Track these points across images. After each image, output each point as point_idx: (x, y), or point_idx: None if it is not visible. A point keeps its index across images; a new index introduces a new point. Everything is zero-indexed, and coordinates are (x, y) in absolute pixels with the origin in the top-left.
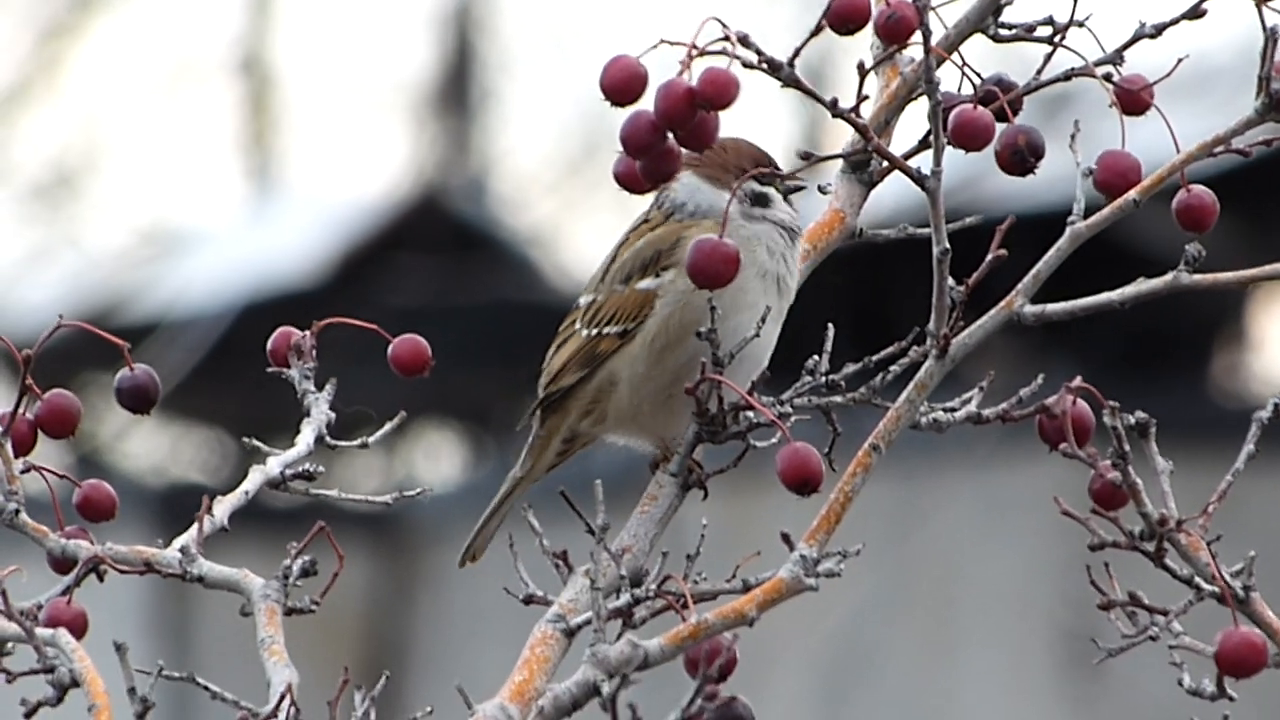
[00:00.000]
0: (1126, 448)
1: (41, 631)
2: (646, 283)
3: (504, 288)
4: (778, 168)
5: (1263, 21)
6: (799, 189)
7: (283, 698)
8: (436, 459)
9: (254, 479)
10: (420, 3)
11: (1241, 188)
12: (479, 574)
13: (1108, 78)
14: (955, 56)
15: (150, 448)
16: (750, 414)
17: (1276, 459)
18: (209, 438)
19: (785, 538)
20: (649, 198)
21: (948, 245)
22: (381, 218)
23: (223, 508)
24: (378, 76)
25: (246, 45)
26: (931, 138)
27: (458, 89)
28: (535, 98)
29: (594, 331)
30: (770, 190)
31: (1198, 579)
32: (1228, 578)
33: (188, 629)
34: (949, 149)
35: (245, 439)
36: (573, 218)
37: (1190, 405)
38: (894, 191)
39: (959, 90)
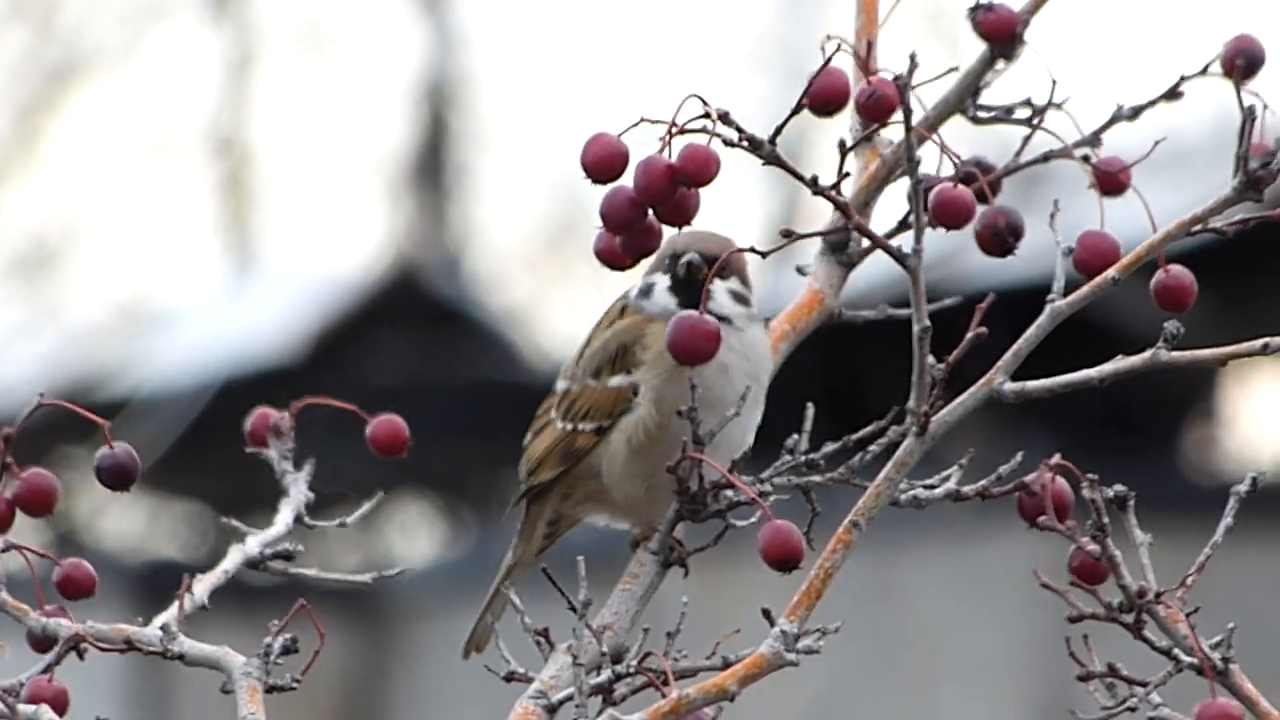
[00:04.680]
0: (1105, 520)
1: (24, 709)
2: (618, 380)
3: (480, 365)
4: (676, 256)
5: (1240, 101)
6: (690, 264)
7: None
8: (413, 535)
9: (233, 558)
10: (397, 79)
11: (1216, 263)
12: (455, 649)
13: (1086, 159)
14: (934, 138)
15: (128, 524)
16: (730, 493)
17: (1251, 533)
18: (187, 514)
19: (766, 614)
20: (631, 276)
21: (929, 323)
22: (358, 295)
23: (203, 586)
24: (354, 154)
25: (224, 123)
26: (912, 217)
27: (434, 166)
28: (511, 174)
29: (570, 426)
30: (654, 279)
31: (1177, 650)
32: (1206, 649)
33: (167, 703)
34: (929, 228)
35: (224, 518)
36: (549, 295)
37: (1162, 480)
38: (869, 269)
39: (938, 171)
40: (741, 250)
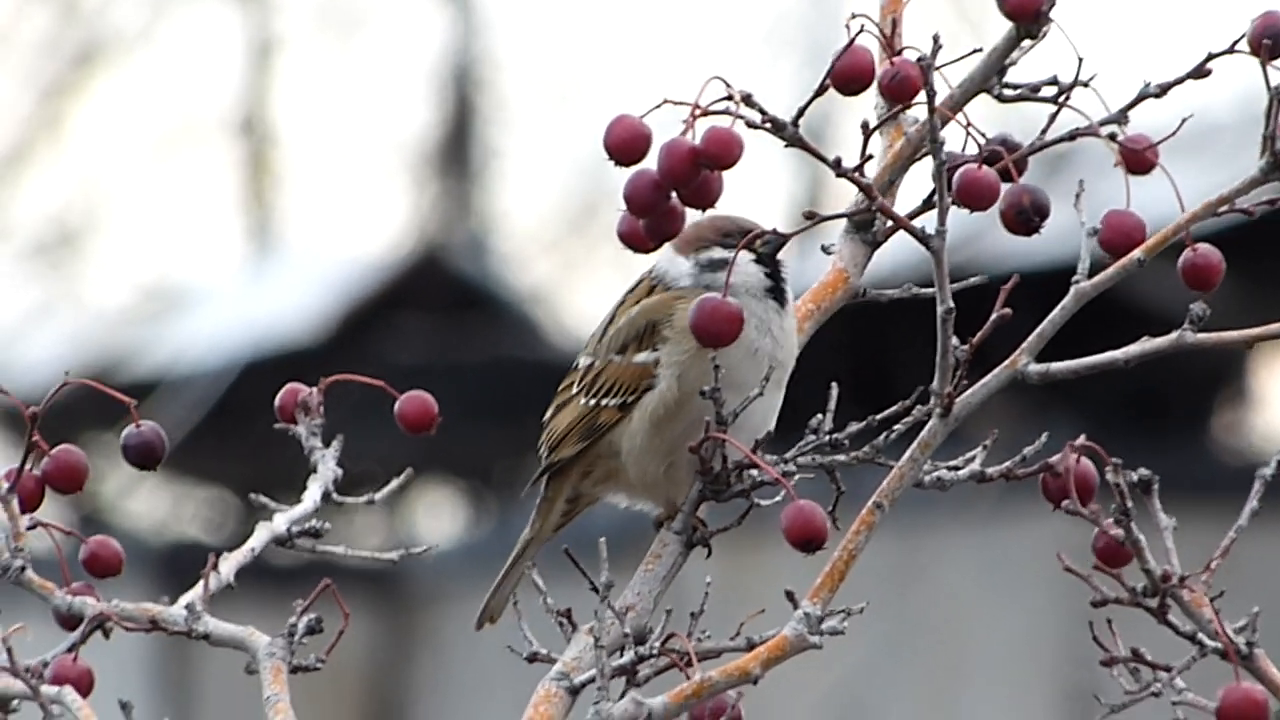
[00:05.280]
0: (1129, 504)
1: (47, 689)
2: (643, 356)
3: (505, 345)
4: (758, 233)
5: (1267, 81)
6: (781, 244)
7: None
8: (438, 516)
9: (260, 536)
10: (421, 61)
11: (1243, 245)
12: (480, 630)
13: (1112, 137)
14: (959, 116)
15: (152, 506)
16: (754, 472)
17: (1271, 517)
18: (211, 495)
19: (789, 595)
20: (652, 257)
21: (952, 304)
22: (382, 276)
23: (229, 565)
24: (378, 135)
25: (247, 104)
26: (936, 197)
27: (458, 148)
28: (536, 156)
29: (593, 402)
30: (732, 255)
31: (1201, 635)
32: (1231, 634)
33: (191, 684)
34: (953, 208)
35: (252, 496)
36: (573, 275)
37: (1191, 462)
38: (894, 249)
39: (963, 150)
40: (764, 231)
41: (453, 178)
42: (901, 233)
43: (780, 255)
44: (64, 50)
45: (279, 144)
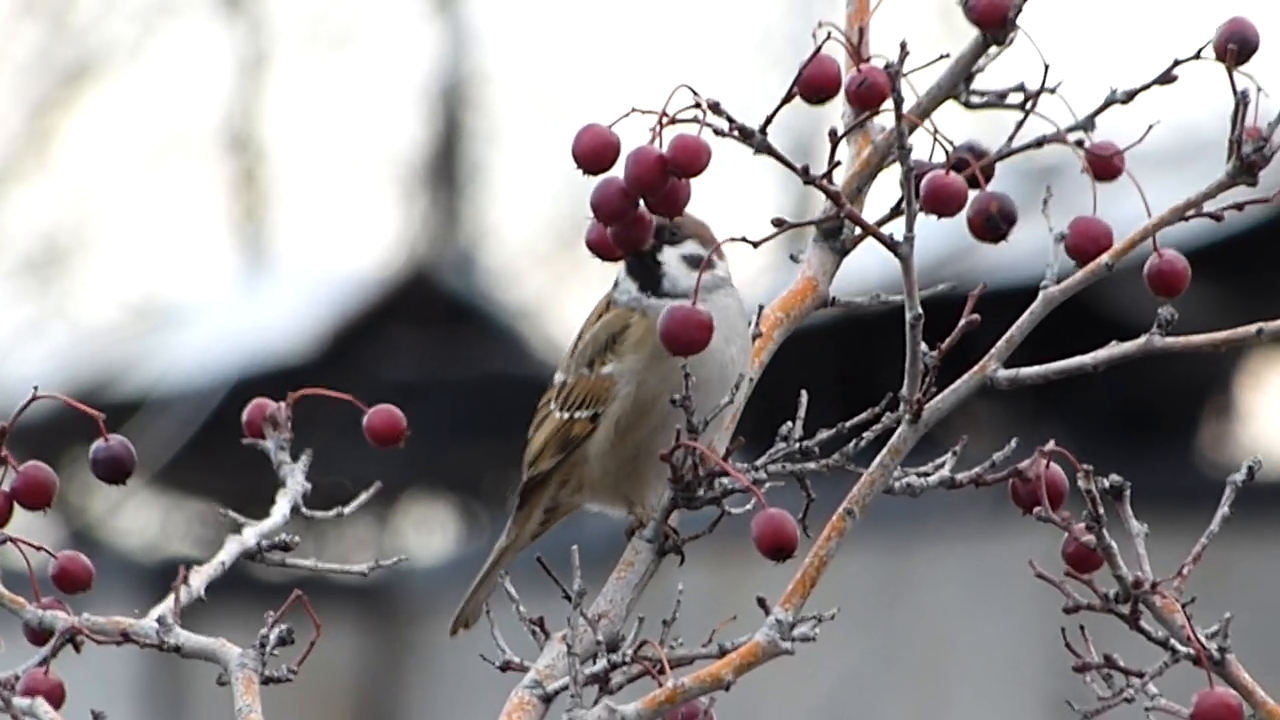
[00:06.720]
0: (1100, 510)
1: (19, 701)
2: (608, 368)
3: (494, 361)
4: (668, 235)
5: (1233, 85)
6: (650, 250)
7: None
8: (428, 531)
9: (230, 550)
10: (410, 77)
11: (1226, 257)
12: (468, 643)
13: (1079, 144)
14: (927, 123)
15: (142, 522)
16: (725, 480)
17: (1257, 525)
18: (201, 512)
19: (761, 602)
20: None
21: (920, 310)
22: (372, 292)
23: (199, 578)
24: (368, 151)
25: (237, 120)
26: (904, 204)
27: (447, 164)
28: (524, 172)
29: (567, 415)
30: (620, 275)
31: (1173, 641)
32: (1203, 639)
33: (180, 697)
34: (923, 217)
35: (222, 512)
36: (562, 291)
37: (1177, 475)
38: (877, 263)
39: (930, 158)
40: (698, 221)
41: (442, 193)
42: (880, 245)
43: (666, 258)
44: (53, 66)
45: (269, 160)
